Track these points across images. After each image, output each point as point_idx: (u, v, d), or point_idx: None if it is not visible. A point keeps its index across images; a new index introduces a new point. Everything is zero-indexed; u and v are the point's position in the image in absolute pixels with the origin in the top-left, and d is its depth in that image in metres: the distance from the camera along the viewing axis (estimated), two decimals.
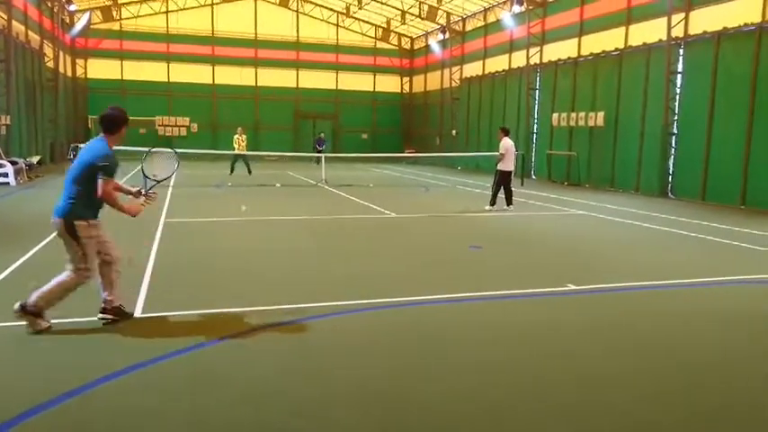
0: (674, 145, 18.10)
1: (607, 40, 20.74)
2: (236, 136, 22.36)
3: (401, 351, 4.82)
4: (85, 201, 5.11)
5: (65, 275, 5.15)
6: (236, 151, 22.10)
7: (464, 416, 3.71)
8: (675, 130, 18.01)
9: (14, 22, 21.28)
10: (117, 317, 5.28)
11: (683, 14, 17.54)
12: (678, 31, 17.64)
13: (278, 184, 19.29)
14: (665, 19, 17.80)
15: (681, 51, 17.86)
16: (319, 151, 29.45)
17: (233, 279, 7.08)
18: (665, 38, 17.87)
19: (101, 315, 5.24)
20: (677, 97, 17.93)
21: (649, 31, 18.82)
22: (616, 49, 20.25)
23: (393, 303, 6.14)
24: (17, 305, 5.00)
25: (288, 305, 5.91)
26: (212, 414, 3.65)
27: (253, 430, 3.50)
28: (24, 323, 5.01)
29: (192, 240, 9.46)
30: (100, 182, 5.08)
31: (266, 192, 17.48)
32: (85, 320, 5.33)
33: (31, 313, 4.98)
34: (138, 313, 5.59)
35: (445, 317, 5.83)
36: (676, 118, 17.97)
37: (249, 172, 21.91)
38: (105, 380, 4.07)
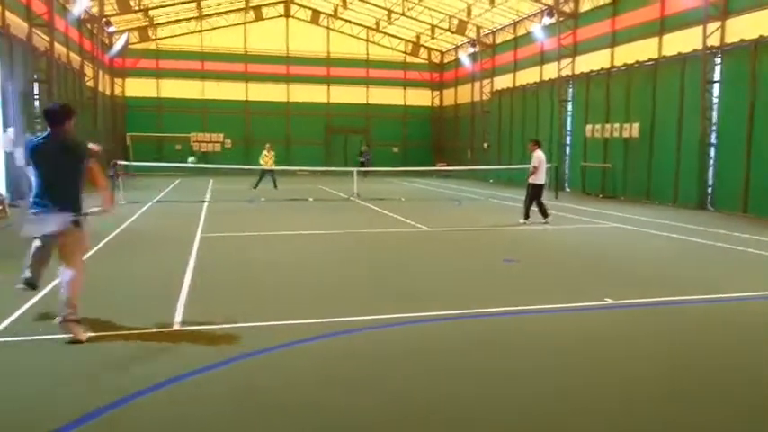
0: (712, 156, 17.69)
1: (640, 51, 20.45)
2: (264, 152, 22.90)
3: (438, 364, 4.79)
4: (80, 194, 5.39)
5: (70, 275, 5.22)
6: (264, 167, 22.65)
7: (497, 427, 3.67)
8: (714, 141, 17.62)
9: (56, 44, 22.03)
10: None
11: (718, 23, 17.21)
12: (714, 40, 17.31)
13: (310, 199, 19.46)
14: (700, 28, 17.50)
15: (717, 60, 17.51)
16: (362, 164, 29.82)
17: (269, 292, 7.14)
18: (700, 47, 17.55)
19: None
20: (714, 107, 17.56)
21: (684, 41, 18.51)
22: (650, 60, 19.96)
23: (428, 318, 6.11)
24: (58, 319, 5.14)
25: (324, 318, 5.94)
26: (254, 426, 3.67)
27: None
28: (65, 335, 5.14)
29: (228, 254, 9.59)
30: (92, 166, 5.49)
31: (299, 206, 17.64)
32: (125, 333, 5.44)
33: (75, 320, 5.14)
34: (177, 326, 5.68)
35: (480, 330, 5.78)
36: (714, 128, 17.58)
37: (275, 186, 22.49)
38: (146, 392, 4.13)
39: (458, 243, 11.24)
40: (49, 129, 5.26)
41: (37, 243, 5.16)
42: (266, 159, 22.79)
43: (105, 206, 5.59)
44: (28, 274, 5.11)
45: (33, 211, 5.18)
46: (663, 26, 19.59)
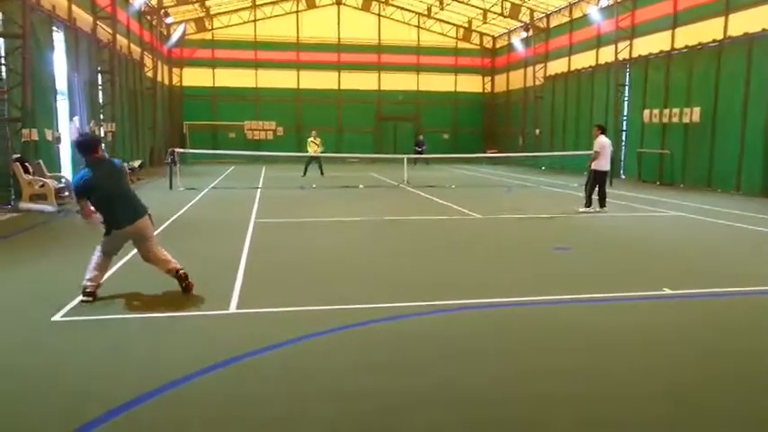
0: None
1: (704, 32, 19.59)
2: (309, 139, 23.21)
3: (489, 352, 4.79)
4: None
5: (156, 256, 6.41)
6: (311, 153, 22.93)
7: (547, 419, 3.65)
8: None
9: (118, 36, 22.82)
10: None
11: None
12: None
13: (361, 186, 19.59)
14: None
15: None
16: (419, 152, 29.89)
17: (322, 277, 7.27)
18: None
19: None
20: None
21: (752, 20, 17.61)
22: (714, 41, 19.10)
23: (480, 305, 6.10)
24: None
25: (377, 304, 6.02)
26: (308, 407, 3.78)
27: (344, 424, 3.59)
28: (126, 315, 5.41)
29: (281, 240, 9.79)
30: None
31: (350, 193, 17.80)
32: (184, 314, 5.66)
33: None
34: (233, 309, 5.86)
35: (533, 319, 5.73)
36: None
37: (321, 173, 22.89)
38: (205, 372, 4.30)
39: (509, 230, 11.13)
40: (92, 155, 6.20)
41: None
42: (313, 146, 23.04)
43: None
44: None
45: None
46: (728, 5, 18.69)
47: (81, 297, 5.99)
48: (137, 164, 23.25)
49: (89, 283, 6.06)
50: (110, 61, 21.79)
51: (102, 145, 19.29)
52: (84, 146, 6.21)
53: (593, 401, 3.91)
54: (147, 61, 28.90)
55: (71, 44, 17.84)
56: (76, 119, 17.80)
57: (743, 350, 4.91)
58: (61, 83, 17.13)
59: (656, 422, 3.63)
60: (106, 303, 6.00)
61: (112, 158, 6.52)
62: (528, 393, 4.02)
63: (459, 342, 5.01)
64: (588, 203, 13.21)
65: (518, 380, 4.25)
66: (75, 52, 18.07)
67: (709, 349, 4.93)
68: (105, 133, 21.29)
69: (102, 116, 21.14)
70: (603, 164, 13.17)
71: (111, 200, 6.05)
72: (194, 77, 35.89)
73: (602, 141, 13.20)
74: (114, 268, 7.46)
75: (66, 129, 17.26)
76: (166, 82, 34.06)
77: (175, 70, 35.61)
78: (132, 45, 26.02)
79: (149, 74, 29.19)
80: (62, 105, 17.18)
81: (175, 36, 33.68)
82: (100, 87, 21.24)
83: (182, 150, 23.43)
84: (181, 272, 6.21)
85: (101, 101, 21.22)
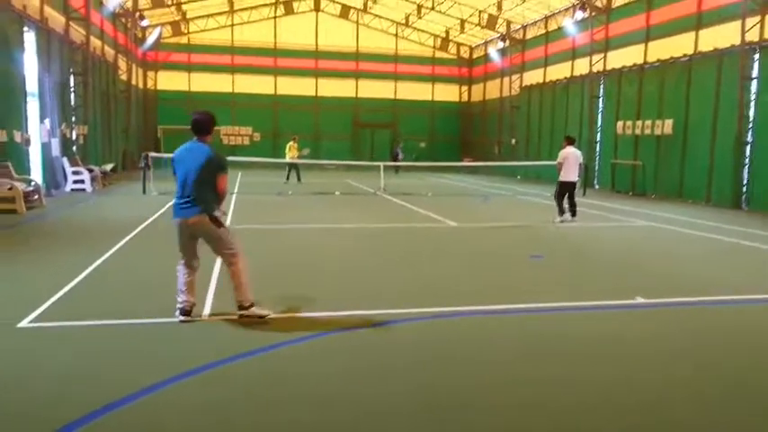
0: (748, 154, 17.26)
1: (675, 46, 20.03)
2: (290, 143, 23.30)
3: (463, 360, 4.78)
4: (212, 195, 5.53)
5: (230, 269, 5.64)
6: (289, 159, 23.00)
7: (525, 427, 3.65)
8: (750, 139, 17.19)
9: (92, 38, 22.47)
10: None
11: (758, 17, 16.76)
12: (753, 35, 16.86)
13: (337, 192, 19.53)
14: (738, 23, 17.05)
15: (756, 56, 17.06)
16: (397, 160, 30.12)
17: (298, 284, 7.20)
18: (738, 42, 17.12)
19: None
20: (752, 104, 17.12)
21: (721, 36, 18.06)
22: (685, 55, 19.54)
23: (455, 312, 6.10)
24: (239, 312, 5.59)
25: (354, 311, 5.97)
26: (282, 413, 3.72)
27: (318, 430, 3.54)
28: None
29: (257, 245, 9.67)
30: (223, 177, 5.56)
31: (326, 200, 17.73)
32: (159, 321, 5.55)
33: (249, 308, 5.59)
34: (206, 315, 5.76)
35: (505, 327, 5.74)
36: (751, 126, 17.15)
37: (298, 179, 22.93)
38: (176, 379, 4.21)
39: (485, 239, 11.18)
40: (196, 138, 5.62)
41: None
42: (293, 151, 23.16)
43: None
44: None
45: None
46: (699, 21, 19.16)
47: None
48: (109, 167, 22.87)
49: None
50: (83, 63, 21.43)
51: (74, 148, 18.62)
52: (194, 126, 5.63)
53: (567, 410, 3.92)
54: (122, 64, 28.52)
55: (42, 45, 17.50)
56: (47, 121, 17.45)
57: (715, 359, 4.97)
58: (32, 84, 16.78)
59: (631, 431, 3.65)
60: (77, 310, 5.85)
61: (207, 148, 5.57)
62: (502, 401, 4.01)
63: (434, 349, 4.98)
64: (561, 212, 13.33)
65: (492, 388, 4.24)
66: (47, 53, 17.74)
67: (680, 357, 4.98)
68: (77, 136, 20.91)
69: (73, 118, 20.76)
70: (570, 175, 13.26)
71: (177, 184, 5.55)
72: (170, 81, 35.50)
73: (565, 152, 13.28)
74: (84, 273, 7.30)
75: (37, 131, 16.89)
76: (141, 85, 33.63)
77: (150, 74, 35.19)
78: (106, 47, 25.66)
79: (123, 77, 28.80)
80: (32, 107, 16.82)
81: (151, 39, 33.29)
82: (72, 89, 20.88)
83: (156, 155, 23.09)
84: (238, 305, 5.64)
85: (73, 103, 20.84)
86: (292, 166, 23.29)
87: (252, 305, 5.60)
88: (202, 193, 5.44)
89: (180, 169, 5.51)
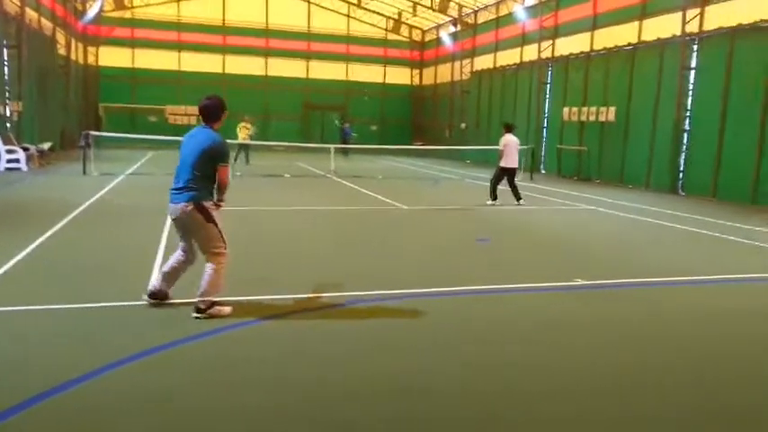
0: (685, 141, 17.97)
1: (620, 35, 20.57)
2: (241, 124, 22.62)
3: (412, 345, 4.84)
4: (207, 185, 5.19)
5: (209, 266, 5.20)
6: (241, 140, 22.45)
7: (464, 411, 3.74)
8: (687, 127, 17.89)
9: (27, 9, 21.35)
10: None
11: (698, 9, 17.37)
12: (693, 27, 17.48)
13: (287, 175, 19.33)
14: (679, 14, 17.64)
15: (695, 47, 17.71)
16: (346, 141, 29.80)
17: (244, 267, 7.11)
18: (679, 33, 17.72)
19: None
20: (690, 93, 17.80)
21: (663, 27, 18.65)
22: (629, 44, 20.10)
23: (401, 295, 6.16)
24: (194, 314, 5.10)
25: (301, 294, 5.95)
26: (230, 396, 3.69)
27: (267, 413, 3.53)
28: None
29: None
30: (224, 168, 5.22)
31: (276, 182, 17.52)
32: (98, 306, 5.39)
33: (207, 309, 5.11)
34: (147, 298, 5.63)
35: (451, 309, 5.85)
36: (688, 114, 17.84)
37: (247, 161, 22.41)
38: (119, 364, 4.11)
39: (433, 222, 11.30)
40: (204, 124, 5.32)
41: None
42: (244, 131, 22.57)
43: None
44: None
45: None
46: (643, 11, 19.70)
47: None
48: (46, 146, 21.88)
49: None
50: (17, 35, 20.36)
51: (8, 125, 17.82)
52: (201, 111, 5.33)
53: (499, 396, 4.03)
54: (60, 38, 27.22)
55: None
56: None
57: (647, 337, 5.20)
58: None
59: (559, 415, 3.79)
60: (11, 294, 5.62)
61: (213, 134, 5.25)
62: (441, 387, 4.10)
63: (383, 333, 5.03)
64: (494, 197, 13.60)
65: (438, 371, 4.32)
66: None
67: (616, 337, 5.19)
68: (11, 112, 19.92)
69: (7, 94, 19.76)
70: (510, 161, 13.59)
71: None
72: (112, 57, 34.16)
73: (506, 139, 13.59)
74: (20, 255, 7.01)
75: None
76: (81, 61, 32.19)
77: (91, 49, 33.71)
78: (43, 19, 24.42)
79: (62, 51, 27.51)
80: None
81: (92, 12, 31.82)
82: (5, 63, 19.83)
83: (97, 133, 22.25)
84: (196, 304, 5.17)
85: (6, 77, 19.82)
86: (242, 147, 22.81)
87: (211, 307, 5.15)
88: (196, 180, 5.10)
89: (182, 154, 5.24)
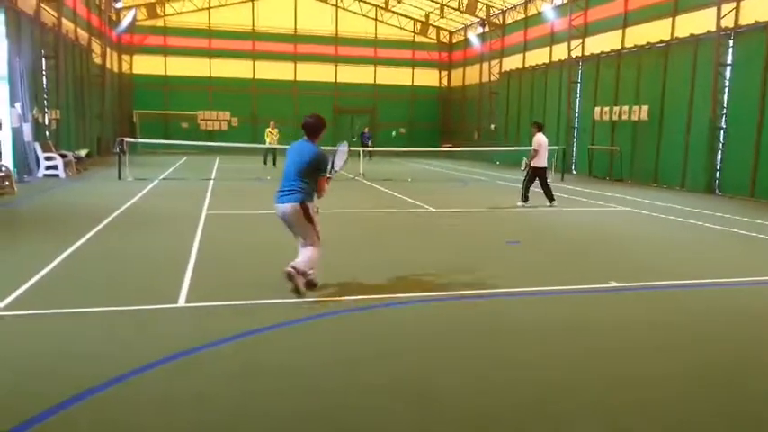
0: (721, 140, 17.52)
1: (652, 32, 20.17)
2: (267, 129, 23.65)
3: (440, 346, 4.81)
4: (310, 190, 6.05)
5: (309, 250, 6.06)
6: (269, 144, 23.44)
7: (493, 411, 3.69)
8: (723, 125, 17.44)
9: (64, 20, 21.95)
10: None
11: (733, 4, 16.94)
12: (728, 22, 17.05)
13: None
14: (714, 9, 17.23)
15: (731, 42, 17.27)
16: (365, 145, 30.04)
17: (274, 270, 7.16)
18: (713, 29, 17.30)
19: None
20: (726, 90, 17.35)
21: (697, 22, 18.23)
22: (662, 41, 19.69)
23: (431, 297, 6.12)
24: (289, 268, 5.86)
25: (330, 297, 5.97)
26: (255, 402, 3.71)
27: (291, 421, 3.54)
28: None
29: (234, 232, 9.62)
30: (324, 178, 6.11)
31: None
32: (132, 309, 5.49)
33: (299, 275, 5.87)
34: (182, 302, 5.72)
35: (483, 312, 5.79)
36: (725, 112, 17.39)
37: (274, 164, 23.05)
38: (150, 367, 4.18)
39: (463, 224, 11.23)
40: (306, 137, 6.25)
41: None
42: (270, 136, 23.29)
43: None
44: None
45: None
46: (676, 7, 19.29)
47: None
48: (83, 153, 22.45)
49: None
50: (54, 46, 20.94)
51: (47, 133, 18.30)
52: (305, 127, 6.29)
53: (538, 390, 3.97)
54: (96, 47, 27.91)
55: (12, 26, 17.02)
56: (18, 105, 17.05)
57: (685, 342, 5.07)
58: (1, 67, 16.35)
59: (599, 410, 3.72)
60: (47, 298, 5.77)
61: (315, 148, 6.17)
62: (483, 385, 4.06)
63: (414, 336, 5.01)
64: (525, 198, 13.44)
65: (478, 371, 4.27)
66: (17, 35, 17.28)
67: (650, 340, 5.07)
68: (49, 121, 20.48)
69: (45, 103, 20.32)
70: (541, 161, 13.42)
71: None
72: (145, 65, 34.89)
73: (540, 139, 13.42)
74: (57, 260, 7.19)
75: (7, 115, 16.50)
76: (116, 69, 33.00)
77: (125, 57, 34.54)
78: (79, 30, 25.08)
79: (97, 60, 28.21)
80: (2, 91, 16.41)
81: (125, 22, 32.61)
82: (44, 73, 20.40)
83: (131, 140, 22.74)
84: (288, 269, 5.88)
85: (45, 87, 20.39)
86: (269, 151, 23.63)
87: (303, 275, 5.89)
88: (301, 185, 5.97)
89: (287, 162, 6.15)
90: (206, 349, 4.53)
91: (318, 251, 6.12)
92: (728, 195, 16.69)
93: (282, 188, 6.08)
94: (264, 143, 23.84)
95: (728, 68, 17.29)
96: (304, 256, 6.01)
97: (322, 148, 6.21)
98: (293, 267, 5.83)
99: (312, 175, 6.00)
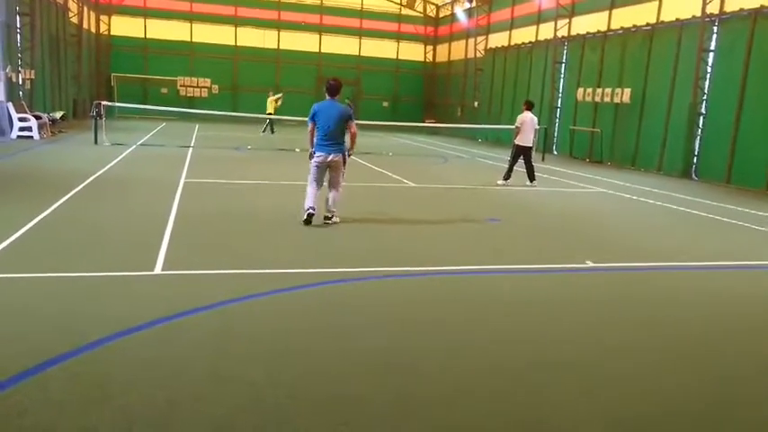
0: (700, 125, 17.71)
1: (638, 15, 20.17)
2: (270, 98, 25.02)
3: (418, 321, 4.84)
4: (344, 140, 8.11)
5: (335, 193, 8.11)
6: (268, 113, 24.86)
7: (471, 389, 3.74)
8: (703, 111, 17.61)
9: None
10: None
11: None
12: (713, 8, 17.10)
13: (297, 149, 19.28)
14: None
15: (715, 29, 17.35)
16: None
17: (252, 240, 7.13)
18: (699, 14, 17.35)
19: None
20: (708, 77, 17.48)
21: (683, 7, 18.25)
22: (647, 24, 19.71)
23: (409, 273, 6.14)
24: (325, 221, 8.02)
25: (308, 269, 5.96)
26: (230, 369, 3.71)
27: (267, 387, 3.55)
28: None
29: (212, 201, 9.52)
30: (353, 124, 8.02)
31: (285, 156, 17.48)
32: (108, 275, 5.43)
33: (331, 218, 8.10)
34: (158, 270, 5.66)
35: (460, 288, 5.84)
36: (705, 98, 17.55)
37: (272, 131, 25.18)
38: (128, 332, 4.14)
39: (442, 200, 11.25)
40: (329, 97, 7.98)
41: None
42: (272, 105, 24.80)
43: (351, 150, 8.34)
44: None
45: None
46: None
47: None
48: (58, 115, 21.95)
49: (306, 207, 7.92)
50: (30, 3, 20.26)
51: (21, 93, 17.89)
52: (330, 89, 8.04)
53: (514, 371, 4.03)
54: (72, 6, 27.08)
55: None
56: None
57: (648, 319, 5.18)
58: None
59: (571, 386, 3.79)
60: (19, 261, 5.67)
61: (341, 104, 8.03)
62: (454, 365, 4.10)
63: (390, 310, 5.03)
64: (507, 176, 13.51)
65: (447, 351, 4.32)
66: None
67: (617, 318, 5.17)
68: (23, 80, 19.93)
69: (20, 62, 19.74)
70: (525, 139, 13.45)
71: (320, 129, 7.92)
72: (124, 27, 33.99)
73: (523, 117, 13.44)
74: (30, 224, 7.06)
75: None
76: (93, 30, 32.07)
77: (103, 18, 33.57)
78: None
79: (74, 20, 27.40)
80: None
81: None
82: (18, 30, 19.78)
83: (108, 103, 22.24)
84: (326, 214, 8.06)
85: (19, 45, 19.78)
86: (270, 119, 25.19)
87: (333, 217, 8.09)
88: (341, 137, 7.99)
89: (321, 119, 7.89)
90: (183, 317, 4.50)
91: (342, 191, 8.26)
92: (705, 180, 16.95)
93: (325, 139, 7.90)
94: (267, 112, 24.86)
95: (711, 54, 17.40)
96: (335, 197, 8.05)
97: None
98: (327, 219, 8.03)
99: (345, 125, 7.90)
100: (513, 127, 13.64)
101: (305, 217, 7.84)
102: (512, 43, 28.77)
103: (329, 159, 7.92)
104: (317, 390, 3.54)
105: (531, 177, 13.57)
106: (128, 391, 3.37)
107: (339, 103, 7.91)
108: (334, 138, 7.89)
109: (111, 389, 3.39)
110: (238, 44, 35.52)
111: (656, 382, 3.93)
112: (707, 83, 17.49)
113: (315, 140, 8.00)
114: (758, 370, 4.27)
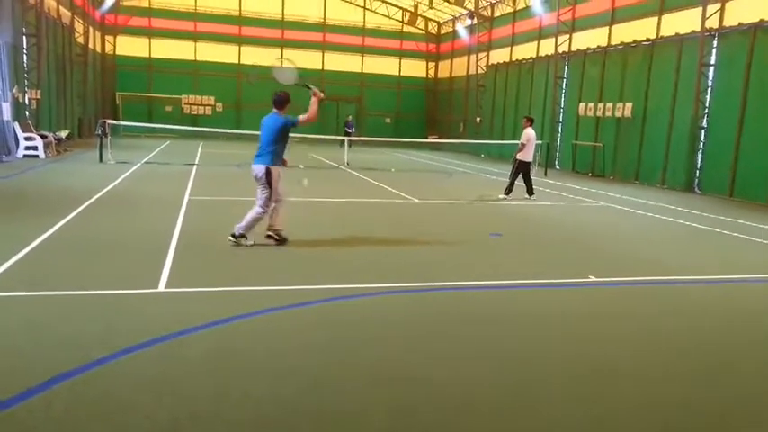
0: (702, 139, 17.75)
1: (638, 30, 20.32)
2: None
3: (418, 336, 4.84)
4: (279, 153, 7.73)
5: (253, 210, 7.58)
6: None
7: (472, 402, 3.74)
8: (705, 124, 17.66)
9: None
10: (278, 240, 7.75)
11: (718, 5, 17.11)
12: (713, 22, 17.22)
13: (301, 166, 19.35)
14: (699, 9, 17.39)
15: (714, 43, 17.45)
16: (348, 134, 29.88)
17: (257, 258, 7.15)
18: (698, 29, 17.47)
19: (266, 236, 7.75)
20: (708, 90, 17.56)
21: (683, 22, 18.40)
22: (647, 39, 19.85)
23: (413, 288, 6.16)
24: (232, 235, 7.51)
25: (311, 285, 5.98)
26: (232, 386, 3.72)
27: (269, 404, 3.55)
28: None
29: (216, 218, 9.56)
30: (301, 118, 7.83)
31: (289, 173, 17.48)
32: (112, 293, 5.45)
33: (274, 232, 7.76)
34: (162, 287, 5.69)
35: (463, 303, 5.84)
36: (707, 112, 17.61)
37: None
38: (131, 350, 4.16)
39: (446, 215, 11.28)
40: (275, 110, 7.74)
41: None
42: None
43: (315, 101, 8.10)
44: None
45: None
46: (662, 6, 19.44)
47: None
48: (64, 134, 22.14)
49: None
50: (36, 24, 20.55)
51: (27, 113, 18.07)
52: (274, 102, 7.84)
53: (514, 385, 4.03)
54: (78, 26, 27.43)
55: None
56: None
57: (651, 334, 5.17)
58: None
59: (573, 399, 3.78)
60: (25, 280, 5.70)
61: (282, 116, 7.73)
62: (448, 375, 4.10)
63: (392, 325, 5.04)
64: (509, 191, 13.56)
65: (453, 362, 4.32)
66: None
67: (620, 334, 5.16)
68: (29, 100, 20.14)
69: (26, 82, 19.96)
70: (527, 155, 13.54)
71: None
72: (129, 47, 34.36)
73: (530, 133, 13.54)
74: (35, 242, 7.11)
75: None
76: (99, 49, 32.46)
77: (109, 38, 33.98)
78: (62, 8, 24.62)
79: (80, 40, 27.73)
80: None
81: (109, 1, 32.06)
82: (24, 51, 20.03)
83: (113, 122, 22.43)
84: (270, 233, 7.76)
85: (25, 66, 20.02)
86: None
87: (278, 232, 7.77)
88: (270, 147, 7.58)
89: (262, 130, 7.66)
90: (186, 334, 4.52)
91: (284, 208, 7.93)
92: (708, 194, 16.94)
93: (258, 152, 7.65)
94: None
95: (711, 69, 17.48)
96: (249, 215, 7.56)
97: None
98: (268, 230, 7.69)
99: (285, 136, 7.67)
100: (519, 143, 13.71)
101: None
102: (513, 59, 28.97)
103: (254, 172, 7.66)
104: (321, 405, 3.54)
105: (530, 192, 13.62)
106: (130, 409, 3.39)
107: (280, 115, 7.64)
108: (262, 148, 7.63)
109: (114, 407, 3.40)
110: (242, 62, 35.83)
111: (663, 396, 3.92)
112: (708, 97, 17.57)
113: None
114: None
